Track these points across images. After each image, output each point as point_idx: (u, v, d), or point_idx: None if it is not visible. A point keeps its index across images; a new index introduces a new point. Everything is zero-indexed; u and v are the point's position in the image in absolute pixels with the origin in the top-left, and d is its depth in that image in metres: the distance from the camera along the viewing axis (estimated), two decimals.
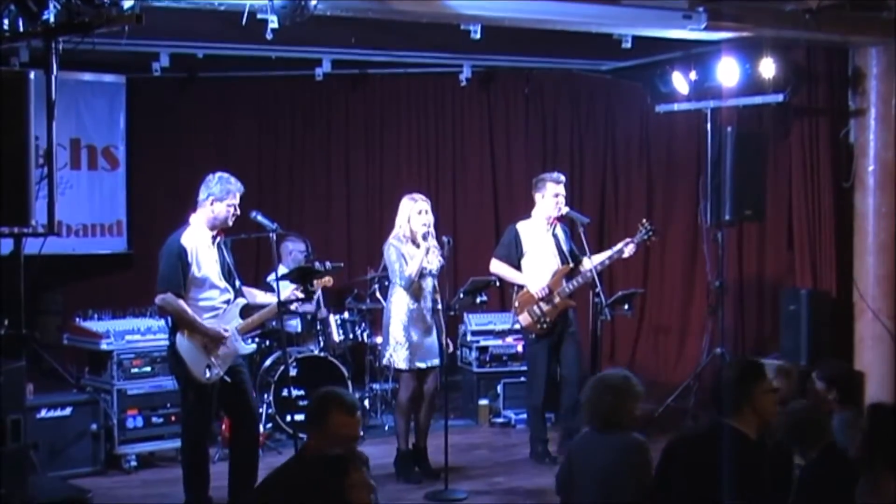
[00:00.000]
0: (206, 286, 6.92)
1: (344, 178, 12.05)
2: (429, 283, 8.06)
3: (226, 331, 6.94)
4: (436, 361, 8.09)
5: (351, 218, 11.94)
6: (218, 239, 7.02)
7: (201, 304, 6.91)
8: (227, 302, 7.05)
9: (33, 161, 5.63)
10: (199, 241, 6.90)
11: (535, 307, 8.45)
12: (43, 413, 7.95)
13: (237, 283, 7.17)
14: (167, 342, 7.07)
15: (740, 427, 4.89)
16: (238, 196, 6.98)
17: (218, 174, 7.04)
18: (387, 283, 8.57)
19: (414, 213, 7.99)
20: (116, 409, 8.25)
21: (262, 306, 7.33)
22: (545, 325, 8.46)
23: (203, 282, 6.90)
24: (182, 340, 6.86)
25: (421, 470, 8.13)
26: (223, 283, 7.01)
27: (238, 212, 7.01)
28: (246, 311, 7.23)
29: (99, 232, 11.24)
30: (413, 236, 7.98)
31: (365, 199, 11.99)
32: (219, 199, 6.92)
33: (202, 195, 6.96)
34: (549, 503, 7.31)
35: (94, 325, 8.57)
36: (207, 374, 6.86)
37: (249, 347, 7.45)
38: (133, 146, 11.46)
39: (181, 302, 6.81)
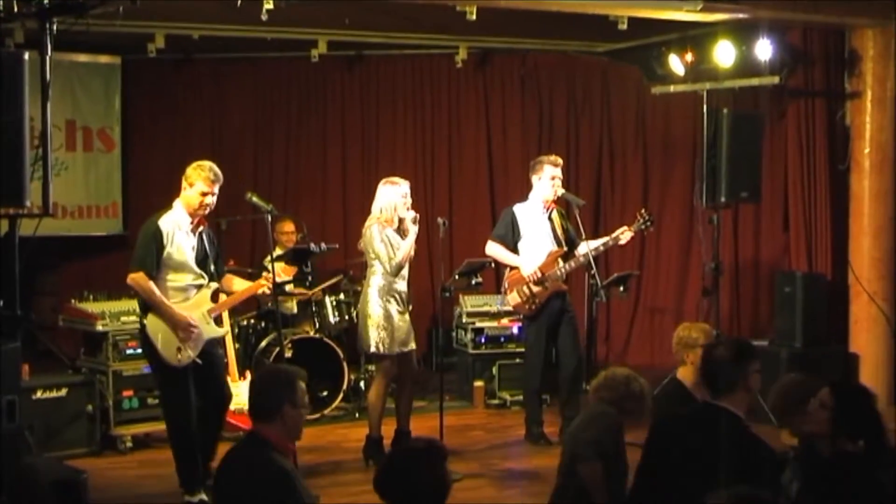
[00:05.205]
0: (179, 269, 6.94)
1: (340, 159, 12.04)
2: (406, 266, 8.02)
3: (192, 321, 6.94)
4: (413, 345, 8.05)
5: (346, 199, 11.92)
6: (201, 228, 7.05)
7: (172, 285, 6.94)
8: (199, 286, 7.07)
9: (28, 142, 5.63)
10: (177, 224, 6.92)
11: (525, 287, 8.45)
12: (38, 394, 7.94)
13: (213, 268, 7.16)
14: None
15: (731, 407, 4.89)
16: (211, 185, 6.90)
17: (200, 161, 7.03)
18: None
19: (399, 197, 7.81)
20: (112, 390, 8.26)
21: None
22: (534, 306, 8.47)
23: (175, 264, 6.91)
24: (152, 322, 6.90)
25: None
26: (196, 269, 7.02)
27: (212, 201, 6.97)
28: (218, 295, 7.25)
29: (94, 213, 11.26)
30: (399, 222, 7.83)
31: (360, 180, 11.96)
32: (190, 184, 6.93)
33: (183, 181, 6.98)
34: (543, 484, 7.35)
35: (90, 307, 8.56)
36: (178, 357, 6.90)
37: (221, 330, 7.39)
38: (128, 128, 11.47)
39: (151, 284, 6.82)
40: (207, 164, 6.98)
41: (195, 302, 7.02)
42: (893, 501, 4.59)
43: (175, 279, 6.94)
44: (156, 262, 6.82)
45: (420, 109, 12.17)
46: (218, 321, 7.28)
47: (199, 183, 6.89)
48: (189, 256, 6.96)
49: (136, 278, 6.82)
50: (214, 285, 7.18)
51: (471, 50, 11.56)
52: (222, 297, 7.31)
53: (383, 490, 4.01)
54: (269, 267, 7.33)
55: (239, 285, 7.42)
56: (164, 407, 7.25)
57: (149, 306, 6.91)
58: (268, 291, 7.50)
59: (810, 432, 4.92)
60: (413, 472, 3.99)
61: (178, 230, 6.90)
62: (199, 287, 7.06)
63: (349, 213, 11.83)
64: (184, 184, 6.94)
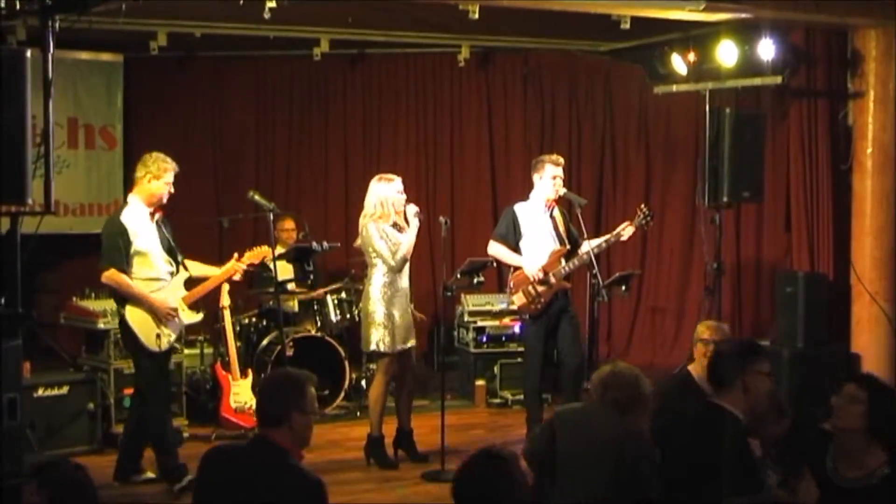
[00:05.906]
0: (149, 260, 7.17)
1: (342, 158, 12.03)
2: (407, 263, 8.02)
3: (173, 308, 7.21)
4: (413, 342, 8.07)
5: (348, 198, 11.89)
6: (157, 216, 7.25)
7: (145, 276, 7.15)
8: (171, 274, 7.31)
9: (30, 140, 5.62)
10: (138, 217, 7.15)
11: (531, 287, 8.44)
12: (40, 392, 7.98)
13: (179, 256, 7.41)
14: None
15: (728, 406, 4.85)
16: (173, 175, 7.19)
17: (154, 153, 7.23)
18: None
19: (396, 193, 7.84)
20: (113, 388, 8.29)
21: (205, 278, 7.62)
22: (539, 306, 8.46)
23: (145, 256, 7.14)
24: (131, 312, 7.12)
25: (408, 454, 8.10)
26: (166, 257, 7.26)
27: (173, 190, 7.21)
28: (190, 282, 7.47)
29: (96, 211, 11.24)
30: (396, 217, 7.83)
31: (362, 179, 11.83)
32: (156, 177, 7.14)
33: (139, 173, 7.20)
34: None
35: (91, 305, 8.59)
36: (158, 342, 7.14)
37: (197, 316, 7.57)
38: (130, 125, 11.46)
39: (125, 277, 7.06)
40: (163, 154, 7.23)
41: (170, 290, 7.26)
42: None
43: (147, 271, 7.17)
44: (124, 257, 7.05)
45: (422, 108, 12.15)
46: (206, 308, 7.49)
47: (168, 174, 7.16)
48: (157, 246, 7.20)
49: (110, 275, 7.06)
50: (186, 273, 7.41)
51: (473, 49, 11.54)
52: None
53: (468, 496, 3.78)
54: (272, 265, 7.37)
55: (195, 269, 7.61)
56: (145, 394, 7.36)
57: (125, 299, 7.13)
58: (239, 278, 7.78)
59: (841, 429, 4.76)
60: (504, 478, 3.76)
61: (140, 223, 7.13)
62: (172, 275, 7.31)
63: (351, 212, 11.78)
64: (146, 177, 7.15)
